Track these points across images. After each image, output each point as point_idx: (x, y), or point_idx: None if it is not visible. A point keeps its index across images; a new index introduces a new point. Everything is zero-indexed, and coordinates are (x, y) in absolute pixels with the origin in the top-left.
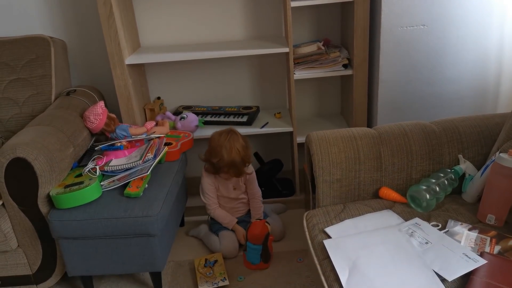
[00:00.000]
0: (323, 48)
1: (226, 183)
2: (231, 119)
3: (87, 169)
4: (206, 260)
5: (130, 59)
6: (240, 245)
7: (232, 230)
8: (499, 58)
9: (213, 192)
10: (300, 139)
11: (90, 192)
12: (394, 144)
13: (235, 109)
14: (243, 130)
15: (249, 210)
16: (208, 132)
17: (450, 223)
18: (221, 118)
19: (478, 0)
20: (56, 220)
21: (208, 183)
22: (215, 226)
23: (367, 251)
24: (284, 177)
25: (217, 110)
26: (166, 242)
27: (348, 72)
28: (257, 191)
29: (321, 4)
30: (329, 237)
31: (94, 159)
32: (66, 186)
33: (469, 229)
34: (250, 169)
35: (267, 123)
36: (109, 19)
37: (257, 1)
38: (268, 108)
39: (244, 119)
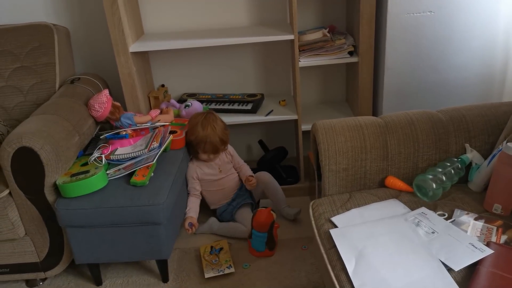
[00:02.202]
0: (328, 35)
1: (211, 167)
2: (235, 106)
3: (93, 158)
4: (211, 247)
5: (134, 47)
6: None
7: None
8: (506, 45)
9: (194, 180)
10: (304, 126)
11: (96, 181)
12: (401, 133)
13: (240, 97)
14: (248, 118)
15: (241, 186)
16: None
17: (457, 212)
18: (226, 106)
19: None
20: (63, 209)
21: (191, 171)
22: (225, 215)
23: (374, 241)
24: (289, 164)
25: (222, 98)
26: (172, 230)
27: (354, 59)
28: (242, 161)
29: None
30: (335, 226)
31: (99, 148)
32: (73, 175)
33: (476, 219)
34: (229, 148)
35: (272, 110)
36: (113, 6)
37: None
38: (273, 95)
39: (249, 106)
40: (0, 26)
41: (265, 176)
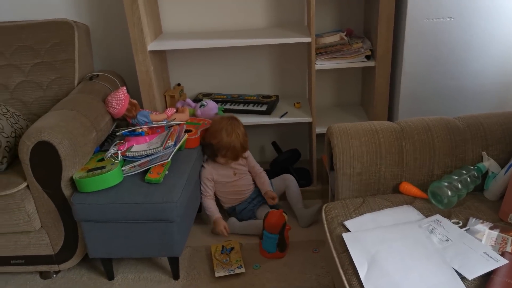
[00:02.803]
0: (345, 38)
1: (227, 169)
2: (250, 107)
3: (109, 154)
4: (222, 247)
5: (152, 46)
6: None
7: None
8: None
9: (207, 183)
10: (319, 129)
11: (112, 176)
12: (417, 139)
13: (255, 98)
14: (262, 119)
15: (255, 188)
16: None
17: (471, 221)
18: (241, 107)
19: None
20: (79, 203)
21: (206, 173)
22: (244, 213)
23: (387, 246)
24: (302, 166)
25: (237, 98)
26: (184, 228)
27: (371, 63)
28: (258, 166)
29: None
30: (348, 230)
31: (116, 144)
32: (89, 170)
33: (491, 228)
34: (246, 152)
35: (286, 112)
36: (133, 5)
37: None
38: (288, 97)
39: (264, 108)
40: (22, 22)
41: (288, 179)
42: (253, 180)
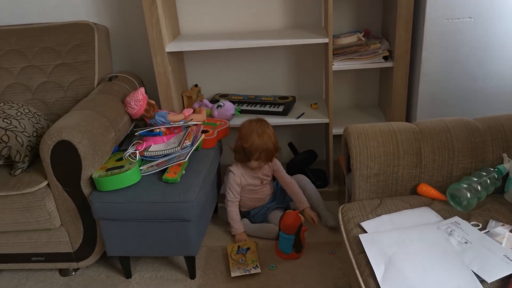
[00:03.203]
0: (363, 39)
1: (254, 179)
2: (267, 108)
3: (128, 154)
4: (238, 247)
5: (170, 47)
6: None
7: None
8: None
9: (236, 188)
10: (335, 130)
11: (130, 176)
12: (436, 140)
13: (271, 99)
14: (278, 120)
15: (276, 190)
16: (244, 121)
17: (491, 223)
18: (257, 107)
19: None
20: (98, 202)
21: (236, 178)
22: (257, 217)
23: (404, 248)
24: (318, 168)
25: (253, 99)
26: (201, 227)
27: (389, 64)
28: (287, 175)
29: None
30: (364, 231)
31: (134, 144)
32: (108, 170)
33: (511, 231)
34: (275, 160)
35: (303, 113)
36: (152, 7)
37: None
38: (304, 98)
39: (280, 109)
40: (43, 24)
41: (303, 180)
42: (282, 189)
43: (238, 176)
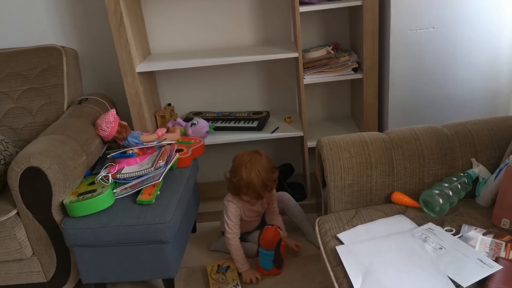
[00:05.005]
0: (332, 52)
1: (253, 211)
2: (241, 124)
3: (100, 177)
4: (218, 266)
5: (140, 67)
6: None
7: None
8: (511, 59)
9: (237, 219)
10: (310, 143)
11: (103, 200)
12: (406, 149)
13: (245, 114)
14: (253, 136)
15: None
16: (218, 138)
17: (464, 227)
18: (232, 124)
19: (488, 1)
20: (70, 228)
21: (233, 208)
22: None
23: (380, 257)
24: (295, 181)
25: (228, 116)
26: (179, 248)
27: (358, 75)
28: (276, 208)
29: (330, 9)
30: (341, 243)
31: (106, 167)
32: (80, 194)
33: (484, 234)
34: (273, 191)
35: (278, 128)
36: (120, 28)
37: (266, 7)
38: (279, 112)
39: (255, 124)
40: (10, 49)
41: (285, 196)
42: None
43: (237, 208)
